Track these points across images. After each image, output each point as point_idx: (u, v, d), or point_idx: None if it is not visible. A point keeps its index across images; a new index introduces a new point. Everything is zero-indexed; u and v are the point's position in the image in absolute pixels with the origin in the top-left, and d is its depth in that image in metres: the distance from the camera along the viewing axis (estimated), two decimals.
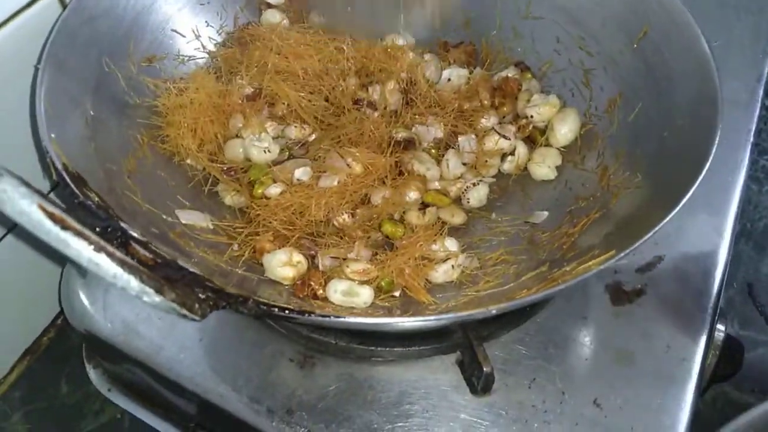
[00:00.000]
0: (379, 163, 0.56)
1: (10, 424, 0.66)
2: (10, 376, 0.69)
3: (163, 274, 0.33)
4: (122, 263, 0.28)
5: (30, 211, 0.27)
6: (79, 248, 0.28)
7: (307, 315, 0.38)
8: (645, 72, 0.57)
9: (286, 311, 0.37)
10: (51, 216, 0.27)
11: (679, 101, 0.53)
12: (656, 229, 0.42)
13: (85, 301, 0.59)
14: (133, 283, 0.29)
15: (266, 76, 0.61)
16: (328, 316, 0.38)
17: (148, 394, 0.65)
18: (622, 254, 0.42)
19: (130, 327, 0.57)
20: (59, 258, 0.66)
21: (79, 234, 0.27)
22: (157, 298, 0.30)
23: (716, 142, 0.46)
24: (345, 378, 0.53)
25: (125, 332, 0.56)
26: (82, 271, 0.59)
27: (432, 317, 0.41)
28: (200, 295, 0.35)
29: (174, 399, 0.60)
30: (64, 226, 0.27)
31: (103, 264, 0.28)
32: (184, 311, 0.31)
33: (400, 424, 0.51)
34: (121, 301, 0.58)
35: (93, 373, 0.68)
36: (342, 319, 0.39)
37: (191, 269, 0.37)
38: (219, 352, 0.55)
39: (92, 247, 0.28)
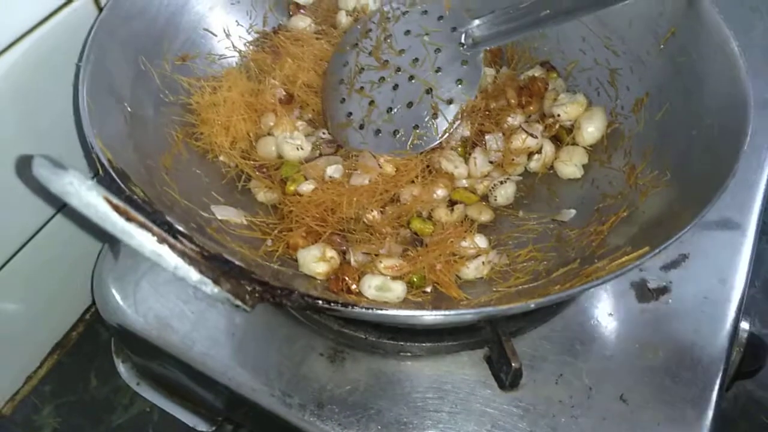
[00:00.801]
0: (411, 165, 0.57)
1: (41, 418, 0.67)
2: (40, 370, 0.70)
3: (214, 266, 0.34)
4: (183, 254, 0.29)
5: (97, 203, 0.28)
6: (143, 239, 0.29)
7: (350, 307, 0.38)
8: (672, 72, 0.57)
9: (331, 303, 0.38)
10: (116, 208, 0.28)
11: (708, 101, 0.53)
12: (691, 225, 0.43)
13: (117, 297, 0.60)
14: (192, 274, 0.30)
15: (297, 86, 0.62)
16: (371, 309, 0.39)
17: (176, 389, 0.66)
18: (657, 251, 0.42)
19: (163, 322, 0.57)
20: (87, 255, 0.67)
21: (142, 226, 0.28)
22: (216, 289, 0.31)
23: (747, 142, 0.47)
24: (375, 372, 0.54)
25: (158, 327, 0.57)
26: (116, 254, 0.60)
27: (472, 310, 0.42)
28: (247, 287, 0.36)
29: (203, 393, 0.61)
30: (129, 218, 0.28)
31: (165, 255, 0.29)
32: (238, 302, 0.32)
33: (428, 418, 0.52)
34: (153, 296, 0.59)
35: (122, 368, 0.69)
36: (384, 312, 0.39)
37: (237, 263, 0.37)
38: (250, 347, 0.56)
39: (155, 238, 0.29)
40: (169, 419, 0.66)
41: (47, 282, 0.67)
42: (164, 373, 0.63)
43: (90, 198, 0.28)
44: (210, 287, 0.31)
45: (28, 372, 0.69)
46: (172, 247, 0.29)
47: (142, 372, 0.68)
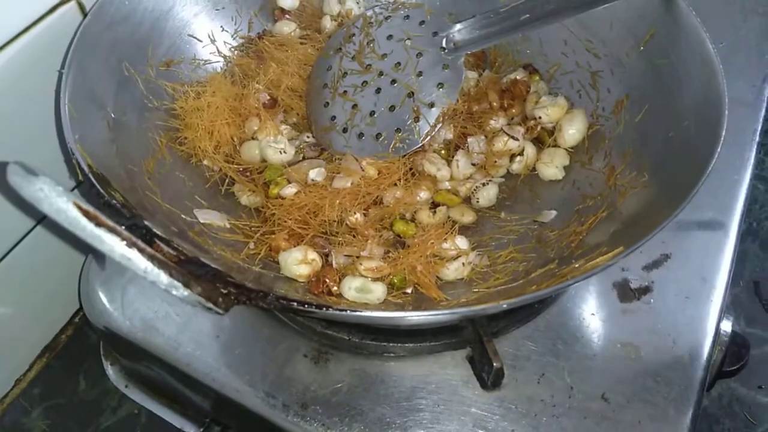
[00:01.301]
0: (394, 167, 0.58)
1: (30, 420, 0.67)
2: (29, 373, 0.70)
3: (187, 270, 0.34)
4: (152, 258, 0.30)
5: (66, 208, 0.28)
6: (112, 244, 0.29)
7: (324, 309, 0.39)
8: (652, 74, 0.58)
9: (305, 305, 0.39)
10: (86, 213, 0.28)
11: (685, 102, 0.54)
12: (663, 226, 0.43)
13: (104, 300, 0.60)
14: (162, 277, 0.30)
15: (281, 90, 0.63)
16: (345, 310, 0.40)
17: (164, 391, 0.66)
18: (630, 250, 0.43)
19: (149, 324, 0.58)
20: (76, 259, 0.68)
21: (112, 230, 0.29)
22: (185, 292, 0.31)
23: (721, 142, 0.47)
24: (358, 373, 0.55)
25: (144, 329, 0.58)
26: (101, 263, 0.60)
27: (445, 311, 0.42)
28: (222, 290, 0.36)
29: (190, 395, 0.62)
30: (98, 223, 0.29)
31: (135, 259, 0.30)
32: (210, 305, 0.33)
33: (411, 418, 0.52)
34: (140, 299, 0.59)
35: (110, 370, 0.69)
36: (359, 313, 0.40)
37: (213, 265, 0.38)
38: (235, 349, 0.57)
39: (125, 243, 0.29)
40: (157, 421, 0.66)
41: (36, 285, 0.68)
42: (152, 376, 0.64)
43: (60, 204, 0.28)
44: (180, 290, 0.31)
45: (17, 375, 0.70)
46: (141, 251, 0.30)
47: (130, 374, 0.68)
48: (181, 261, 0.37)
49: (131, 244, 0.29)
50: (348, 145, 0.60)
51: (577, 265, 0.47)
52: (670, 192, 0.49)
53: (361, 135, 0.60)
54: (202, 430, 0.66)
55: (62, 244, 0.68)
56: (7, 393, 0.69)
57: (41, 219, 0.63)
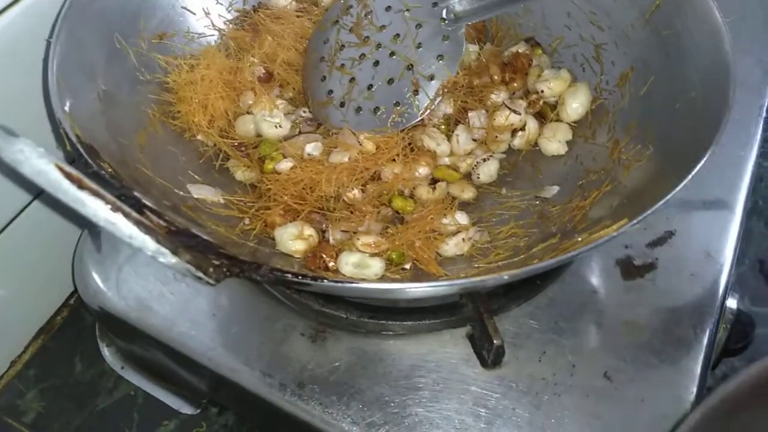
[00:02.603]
0: (392, 142, 0.56)
1: (25, 402, 0.67)
2: (24, 355, 0.70)
3: (178, 240, 0.33)
4: (138, 223, 0.29)
5: (48, 170, 0.27)
6: (96, 207, 0.28)
7: (320, 281, 0.38)
8: (657, 45, 0.56)
9: (299, 277, 0.37)
10: (68, 176, 0.27)
11: (692, 73, 0.52)
12: (671, 194, 0.42)
13: (98, 280, 0.59)
14: (149, 243, 0.29)
15: (277, 64, 0.61)
16: (341, 282, 0.38)
17: (160, 372, 0.65)
18: (635, 222, 0.42)
19: (144, 304, 0.57)
20: (70, 240, 0.66)
21: (95, 194, 0.28)
22: (173, 259, 0.30)
23: (730, 110, 0.46)
24: (356, 352, 0.54)
25: (139, 309, 0.57)
26: (96, 242, 0.59)
27: (445, 283, 0.41)
28: (214, 261, 0.35)
29: (187, 375, 0.61)
30: (81, 186, 0.27)
31: (120, 224, 0.28)
32: (200, 273, 0.32)
33: (410, 396, 0.51)
34: (134, 278, 0.59)
35: (106, 352, 0.69)
36: (355, 285, 0.39)
37: (204, 237, 0.37)
38: (231, 328, 0.56)
39: (109, 206, 0.28)
40: (153, 402, 0.65)
41: (31, 267, 0.67)
42: (148, 356, 0.63)
43: (41, 165, 0.27)
44: (168, 257, 0.30)
45: (12, 357, 0.69)
46: (126, 215, 0.28)
47: (127, 356, 0.68)
48: (172, 232, 0.36)
49: (116, 209, 0.28)
50: (345, 120, 0.58)
51: (580, 239, 0.46)
52: (677, 163, 0.47)
53: (359, 109, 0.58)
54: (199, 411, 0.65)
55: (56, 226, 0.67)
56: (2, 375, 0.68)
57: (32, 199, 0.62)
